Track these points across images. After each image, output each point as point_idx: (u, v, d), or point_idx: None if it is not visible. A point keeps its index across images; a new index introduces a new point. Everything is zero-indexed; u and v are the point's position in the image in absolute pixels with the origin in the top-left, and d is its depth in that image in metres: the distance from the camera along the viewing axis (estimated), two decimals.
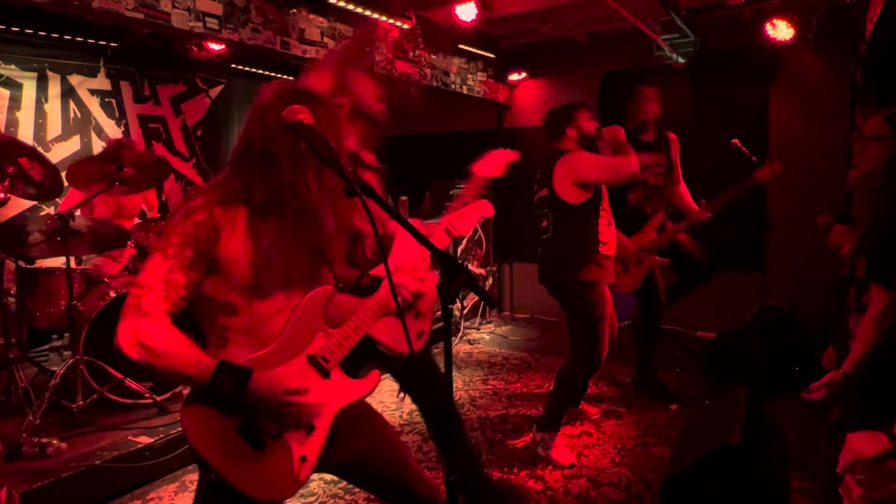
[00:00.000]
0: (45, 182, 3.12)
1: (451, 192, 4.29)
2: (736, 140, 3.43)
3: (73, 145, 4.77)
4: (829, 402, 1.94)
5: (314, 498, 2.69)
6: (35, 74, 4.54)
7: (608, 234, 3.06)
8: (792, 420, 3.12)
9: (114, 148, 3.67)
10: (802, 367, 3.68)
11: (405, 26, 4.28)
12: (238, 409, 1.34)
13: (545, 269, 3.17)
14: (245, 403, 1.32)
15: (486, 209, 1.75)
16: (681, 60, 4.74)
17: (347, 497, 2.74)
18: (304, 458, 1.43)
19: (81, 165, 3.35)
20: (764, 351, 3.66)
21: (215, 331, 1.39)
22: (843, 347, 2.17)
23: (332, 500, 2.71)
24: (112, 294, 3.31)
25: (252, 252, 1.34)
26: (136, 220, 4.18)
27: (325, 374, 1.47)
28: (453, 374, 2.23)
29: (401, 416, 3.69)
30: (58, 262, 3.34)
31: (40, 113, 4.58)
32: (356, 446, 1.55)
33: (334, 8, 3.77)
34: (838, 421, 1.96)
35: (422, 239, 1.28)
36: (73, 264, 3.20)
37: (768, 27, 4.33)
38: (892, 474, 1.58)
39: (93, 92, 4.89)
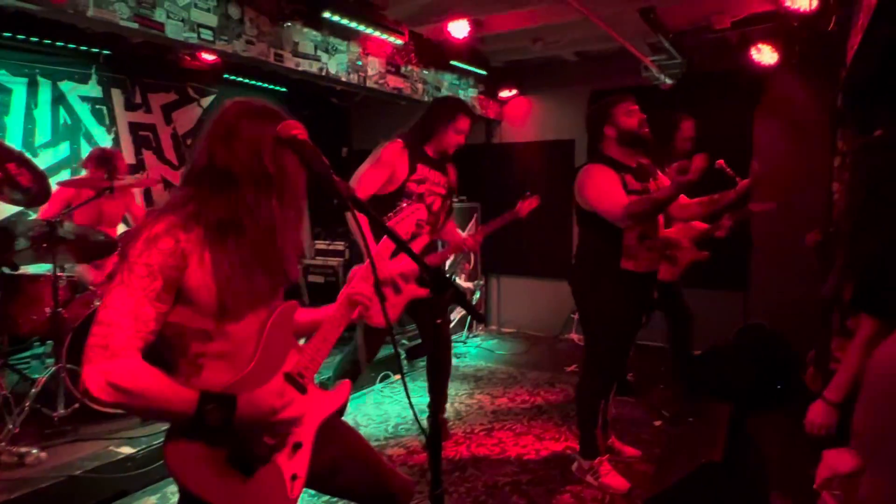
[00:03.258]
0: (32, 188, 3.10)
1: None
2: (721, 161, 3.49)
3: (61, 152, 4.74)
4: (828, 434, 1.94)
5: None
6: (25, 80, 4.52)
7: (637, 248, 2.79)
8: (774, 437, 3.15)
9: (95, 162, 3.69)
10: (785, 384, 3.73)
11: (398, 41, 4.33)
12: (226, 438, 1.30)
13: (571, 274, 3.03)
14: (233, 431, 1.28)
15: (420, 212, 1.78)
16: (668, 81, 4.83)
17: None
18: (294, 477, 1.43)
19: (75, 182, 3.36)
20: (747, 369, 3.70)
21: (187, 359, 1.34)
22: (827, 370, 2.20)
23: None
24: (97, 302, 3.29)
25: (215, 277, 1.29)
26: (121, 228, 4.17)
27: (303, 390, 1.46)
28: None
29: (386, 430, 3.68)
30: (42, 268, 3.31)
31: (29, 119, 4.55)
32: (330, 454, 1.55)
33: (328, 22, 3.80)
34: (819, 439, 1.98)
35: (410, 253, 1.30)
36: (57, 271, 3.18)
37: (753, 51, 4.43)
38: None
39: (83, 98, 4.87)
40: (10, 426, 2.84)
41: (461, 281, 5.82)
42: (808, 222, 4.12)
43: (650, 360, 5.03)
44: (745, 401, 3.45)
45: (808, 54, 4.39)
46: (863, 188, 2.00)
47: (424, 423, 3.39)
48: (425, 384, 3.34)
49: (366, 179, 2.97)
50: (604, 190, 2.72)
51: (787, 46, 4.35)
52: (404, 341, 5.10)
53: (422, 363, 4.98)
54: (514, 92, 5.97)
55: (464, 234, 3.50)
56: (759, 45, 4.39)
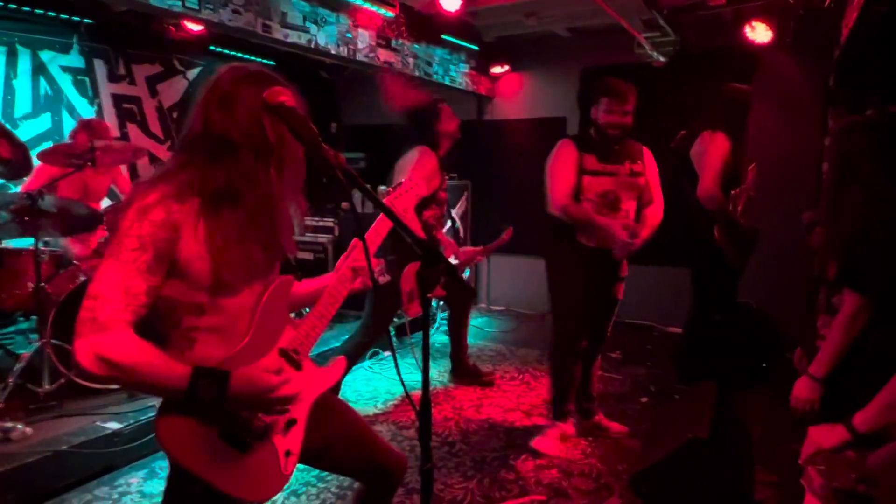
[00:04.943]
0: (13, 160, 3.03)
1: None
2: (754, 164, 3.48)
3: (43, 123, 4.63)
4: (813, 409, 1.96)
5: (286, 486, 2.67)
6: (4, 49, 4.39)
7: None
8: (759, 415, 3.20)
9: (83, 130, 3.60)
10: (770, 362, 3.77)
11: (389, 14, 4.24)
12: (219, 414, 1.28)
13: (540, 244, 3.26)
14: (226, 407, 1.26)
15: (420, 188, 1.76)
16: (661, 59, 4.79)
17: (320, 485, 2.73)
18: (288, 453, 1.42)
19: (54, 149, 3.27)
20: (733, 347, 3.74)
21: (180, 332, 1.31)
22: (812, 347, 2.22)
23: (304, 489, 2.71)
24: (82, 277, 3.24)
25: (210, 249, 1.26)
26: (105, 202, 4.10)
27: (298, 366, 1.44)
28: (430, 364, 2.46)
29: (375, 406, 3.69)
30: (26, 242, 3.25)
31: (9, 89, 4.43)
32: (324, 430, 1.54)
33: None
34: (803, 415, 2.00)
35: (401, 225, 1.28)
36: (41, 246, 3.12)
37: (747, 29, 4.39)
38: (850, 464, 1.64)
39: (65, 69, 4.74)
40: None
41: (452, 259, 5.81)
42: (798, 202, 4.14)
43: (637, 338, 5.07)
44: (731, 379, 3.49)
45: (803, 32, 4.37)
46: (843, 167, 2.00)
47: (416, 396, 3.43)
48: (413, 361, 3.36)
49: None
50: (556, 174, 2.92)
51: (781, 24, 4.32)
52: (395, 319, 5.09)
53: (413, 340, 4.99)
54: (507, 68, 5.90)
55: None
56: (753, 23, 4.35)
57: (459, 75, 5.52)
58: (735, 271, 3.48)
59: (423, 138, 3.36)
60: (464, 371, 4.08)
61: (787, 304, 4.16)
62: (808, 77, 4.69)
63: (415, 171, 3.15)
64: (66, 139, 3.71)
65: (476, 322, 5.72)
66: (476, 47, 5.55)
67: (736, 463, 2.51)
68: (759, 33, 4.39)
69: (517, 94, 6.04)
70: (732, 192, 3.37)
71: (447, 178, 3.48)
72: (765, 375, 3.75)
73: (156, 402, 1.33)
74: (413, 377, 3.52)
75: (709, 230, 3.31)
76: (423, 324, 1.30)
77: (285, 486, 1.46)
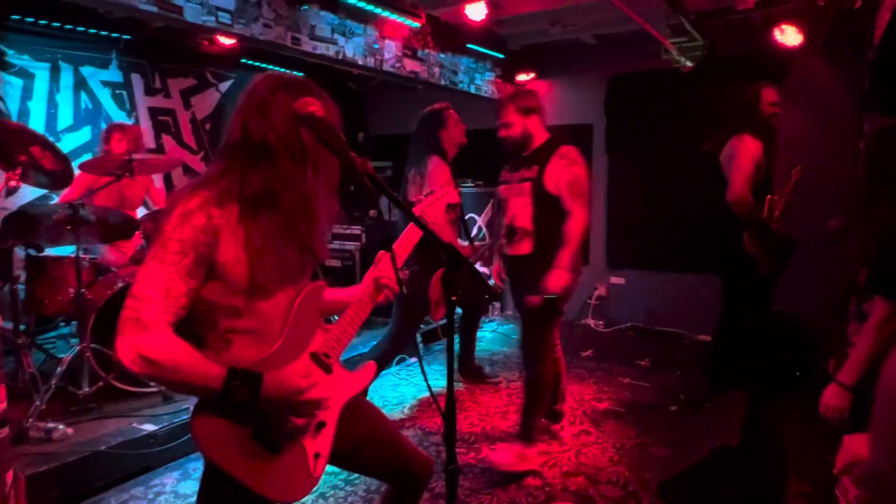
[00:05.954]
0: (56, 171, 3.16)
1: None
2: (799, 168, 3.43)
3: (83, 136, 4.81)
4: (842, 417, 1.92)
5: (314, 489, 2.71)
6: (48, 65, 4.59)
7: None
8: (791, 424, 3.13)
9: (116, 132, 3.73)
10: (803, 371, 3.69)
11: (415, 24, 4.31)
12: (252, 415, 1.32)
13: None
14: (259, 408, 1.30)
15: (452, 196, 1.78)
16: (689, 64, 4.75)
17: (347, 488, 2.77)
18: (317, 455, 1.45)
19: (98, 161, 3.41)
20: (764, 355, 3.67)
21: (217, 334, 1.35)
22: (845, 356, 2.18)
23: (332, 492, 2.75)
24: (120, 284, 3.35)
25: (247, 252, 1.30)
26: (140, 212, 4.23)
27: (328, 370, 1.48)
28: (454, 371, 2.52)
29: (402, 412, 3.72)
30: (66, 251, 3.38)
31: (52, 103, 4.62)
32: (353, 433, 1.57)
33: (345, 5, 3.80)
34: (834, 424, 1.96)
35: (425, 230, 1.31)
36: (81, 253, 3.24)
37: (777, 33, 4.32)
38: None
39: (104, 83, 4.93)
40: (38, 403, 2.92)
41: (478, 266, 5.82)
42: (831, 208, 4.05)
43: (666, 346, 5.01)
44: (763, 387, 3.42)
45: (834, 35, 4.28)
46: (876, 172, 1.97)
47: (441, 397, 3.46)
48: (441, 367, 3.38)
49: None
50: None
51: (812, 27, 4.24)
52: (421, 325, 5.13)
53: (437, 346, 5.02)
54: (532, 76, 5.91)
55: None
56: (783, 26, 4.29)
57: (485, 84, 5.56)
58: (767, 279, 3.41)
59: (432, 146, 3.37)
60: (468, 371, 4.20)
61: (824, 313, 4.06)
62: (840, 80, 4.60)
63: (435, 180, 3.18)
64: (101, 144, 3.82)
65: (502, 329, 5.72)
66: (501, 55, 5.58)
67: (767, 472, 2.46)
68: (790, 36, 4.32)
69: (543, 102, 6.04)
70: (769, 197, 3.32)
71: (459, 184, 3.54)
72: (798, 384, 3.67)
73: (190, 405, 1.37)
74: (440, 383, 3.54)
75: (739, 236, 3.27)
76: (448, 326, 1.32)
77: (314, 489, 1.49)
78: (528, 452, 2.95)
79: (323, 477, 1.51)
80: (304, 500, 2.70)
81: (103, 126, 4.88)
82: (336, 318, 1.59)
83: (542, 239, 2.86)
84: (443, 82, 4.93)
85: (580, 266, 2.89)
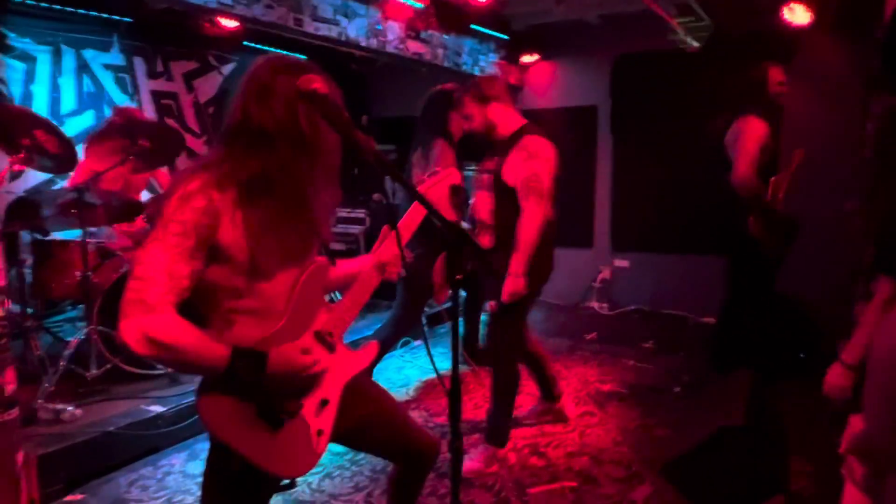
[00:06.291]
0: (60, 154, 3.16)
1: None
2: (801, 151, 3.40)
3: (86, 120, 4.80)
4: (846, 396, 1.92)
5: (321, 469, 2.75)
6: (50, 48, 4.56)
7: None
8: (793, 404, 3.14)
9: (120, 117, 3.71)
10: (807, 353, 3.69)
11: (418, 5, 4.26)
12: (257, 393, 1.33)
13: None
14: (264, 386, 1.31)
15: (455, 177, 1.77)
16: (695, 44, 4.69)
17: (353, 468, 2.80)
18: (320, 432, 1.47)
19: (98, 138, 3.39)
20: (768, 337, 3.67)
21: (219, 314, 1.36)
22: (849, 336, 2.18)
23: (338, 472, 2.78)
24: (125, 267, 3.36)
25: (246, 235, 1.30)
26: (145, 195, 4.23)
27: (332, 348, 1.49)
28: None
29: (407, 394, 3.74)
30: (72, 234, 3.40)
31: (55, 88, 4.61)
32: (359, 412, 1.59)
33: None
34: (838, 404, 1.97)
35: (430, 209, 1.30)
36: (87, 238, 3.25)
37: (785, 11, 4.27)
38: None
39: (106, 67, 4.91)
40: (47, 384, 2.96)
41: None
42: (838, 189, 4.02)
43: (670, 328, 5.02)
44: (767, 370, 3.43)
45: (843, 12, 4.22)
46: (884, 152, 1.95)
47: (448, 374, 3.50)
48: (445, 350, 3.40)
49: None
50: None
51: (820, 5, 4.18)
52: (425, 309, 5.15)
53: (442, 329, 5.03)
54: (537, 57, 5.86)
55: None
56: (792, 4, 4.23)
57: (489, 65, 5.51)
58: (772, 261, 3.40)
59: (439, 128, 3.32)
60: (474, 352, 4.23)
61: (830, 294, 4.05)
62: (849, 59, 4.53)
63: (440, 163, 3.17)
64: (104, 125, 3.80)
65: None
66: (506, 37, 5.53)
67: (770, 452, 2.48)
68: (798, 15, 4.26)
69: (548, 84, 6.00)
70: (772, 178, 3.29)
71: (464, 168, 3.51)
72: (802, 367, 3.67)
73: (196, 387, 1.39)
74: (445, 365, 3.56)
75: (744, 219, 3.25)
76: (452, 306, 1.32)
77: (318, 467, 1.51)
78: (500, 453, 2.93)
79: (329, 457, 1.53)
80: (311, 480, 2.74)
81: (106, 110, 4.89)
82: (339, 295, 1.59)
83: (501, 235, 2.75)
84: (446, 64, 4.89)
85: (548, 265, 2.77)
